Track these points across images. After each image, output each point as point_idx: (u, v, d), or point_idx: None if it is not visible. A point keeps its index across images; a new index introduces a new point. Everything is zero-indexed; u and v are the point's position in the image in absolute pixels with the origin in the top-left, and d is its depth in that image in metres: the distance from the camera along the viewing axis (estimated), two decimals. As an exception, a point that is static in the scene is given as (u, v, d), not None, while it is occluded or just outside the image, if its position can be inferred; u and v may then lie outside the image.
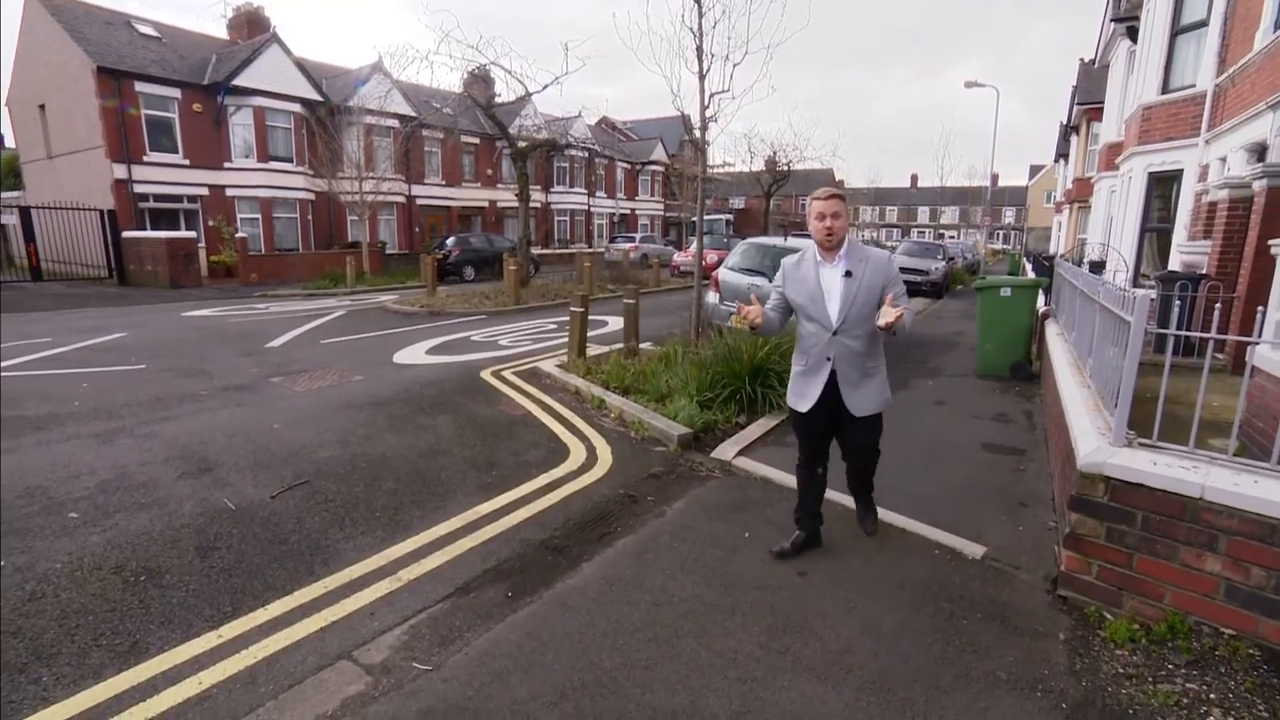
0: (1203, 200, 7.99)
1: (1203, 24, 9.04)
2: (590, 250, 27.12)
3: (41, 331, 9.26)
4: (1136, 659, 2.38)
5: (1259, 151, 7.16)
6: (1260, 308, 2.82)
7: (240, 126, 19.49)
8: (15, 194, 22.65)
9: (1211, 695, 2.17)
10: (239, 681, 2.26)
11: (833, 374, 2.84)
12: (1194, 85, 9.10)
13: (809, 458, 3.12)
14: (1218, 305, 2.79)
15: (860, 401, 2.88)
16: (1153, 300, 6.53)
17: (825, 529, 3.29)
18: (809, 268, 2.88)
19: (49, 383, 6.26)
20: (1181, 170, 9.33)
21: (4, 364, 7.05)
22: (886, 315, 2.60)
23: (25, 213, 16.44)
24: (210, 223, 18.82)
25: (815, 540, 3.25)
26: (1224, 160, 8.09)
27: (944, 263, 18.48)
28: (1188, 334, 3.15)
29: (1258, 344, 3.41)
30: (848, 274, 2.77)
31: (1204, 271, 6.94)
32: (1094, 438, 2.79)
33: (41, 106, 19.95)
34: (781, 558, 3.11)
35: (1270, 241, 4.81)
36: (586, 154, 31.97)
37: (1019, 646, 2.48)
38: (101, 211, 16.75)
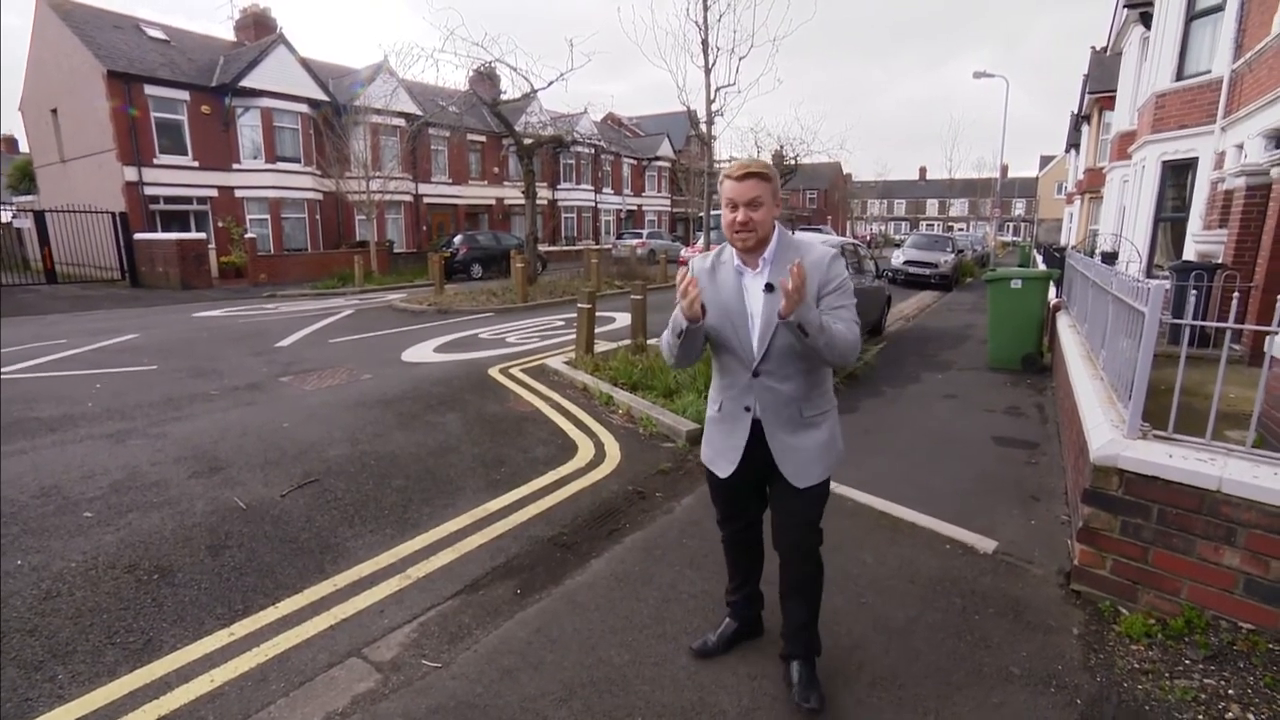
0: (1219, 188, 7.87)
1: (1219, 8, 8.87)
2: (597, 247, 27.10)
3: (57, 333, 9.38)
4: (1153, 654, 2.35)
5: (1277, 138, 7.02)
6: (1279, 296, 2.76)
7: (248, 128, 19.62)
8: (29, 198, 22.98)
9: (1230, 691, 2.14)
10: (250, 679, 2.28)
11: (756, 426, 2.04)
12: (1210, 71, 8.94)
13: (731, 525, 2.32)
14: (1234, 295, 2.74)
15: (798, 467, 2.03)
16: (1167, 290, 6.44)
17: (832, 525, 3.23)
18: (727, 275, 2.03)
19: (63, 384, 6.34)
20: (1196, 158, 9.17)
21: (21, 365, 7.14)
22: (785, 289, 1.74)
23: (40, 216, 16.64)
24: (220, 224, 18.99)
25: (754, 628, 2.45)
26: (1241, 147, 7.94)
27: (953, 255, 18.31)
28: (1203, 324, 3.09)
29: (1277, 333, 3.35)
30: (768, 287, 1.96)
31: (1220, 261, 6.84)
32: (1107, 430, 2.75)
33: (54, 111, 20.18)
34: (704, 656, 2.36)
35: (1289, 229, 4.72)
36: (593, 150, 31.94)
37: (1032, 642, 2.45)
38: (113, 214, 16.92)
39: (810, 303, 1.83)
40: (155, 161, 18.06)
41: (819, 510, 2.12)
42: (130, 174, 17.58)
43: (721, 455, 2.13)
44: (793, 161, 23.16)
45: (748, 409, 2.04)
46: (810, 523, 2.12)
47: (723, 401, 2.12)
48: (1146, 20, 11.55)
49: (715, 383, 2.17)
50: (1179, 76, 9.51)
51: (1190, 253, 8.21)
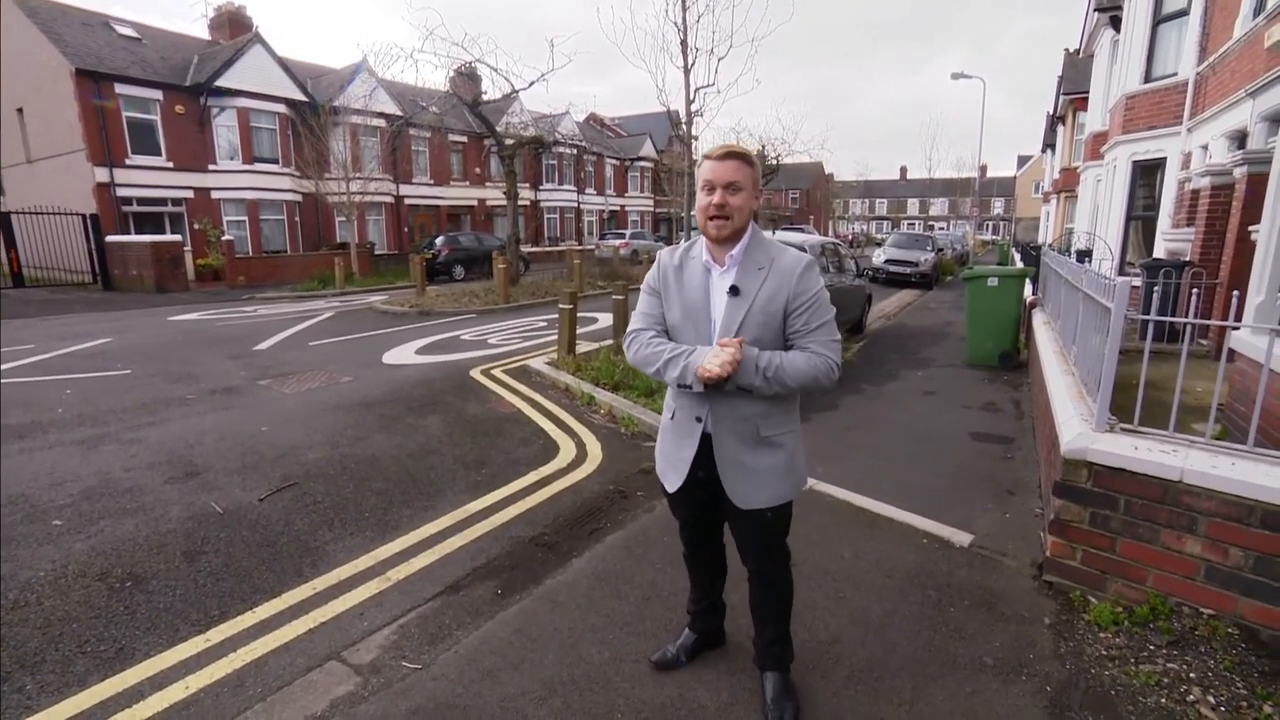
0: (1186, 188, 8.07)
1: (1184, 12, 9.11)
2: (580, 247, 27.07)
3: (24, 338, 9.15)
4: (1119, 641, 2.41)
5: (1240, 139, 7.23)
6: (1236, 291, 2.85)
7: (224, 128, 19.29)
8: (-5, 199, 22.34)
9: (1191, 674, 2.21)
10: (227, 685, 2.25)
11: (706, 441, 1.89)
12: (1176, 74, 9.18)
13: (689, 536, 2.22)
14: (1194, 290, 2.84)
15: (747, 488, 1.87)
16: (1135, 287, 6.59)
17: (811, 521, 3.26)
18: (695, 271, 1.88)
19: (32, 390, 6.19)
20: (1165, 158, 9.41)
21: (-14, 371, 6.96)
22: (713, 359, 1.69)
23: (5, 218, 16.20)
24: (196, 226, 18.64)
25: (715, 639, 2.40)
26: (1206, 148, 8.17)
27: (933, 254, 18.58)
28: (1166, 319, 3.18)
29: (1236, 328, 3.46)
30: (733, 290, 1.81)
31: (1188, 258, 7.02)
32: (1077, 424, 2.82)
33: (20, 110, 19.65)
34: (663, 668, 2.28)
35: (1250, 228, 4.87)
36: (575, 151, 31.89)
37: (1005, 632, 2.50)
38: (84, 216, 16.54)
39: (749, 364, 1.72)
40: (128, 162, 17.67)
41: (779, 533, 2.00)
42: (101, 175, 17.18)
43: (671, 467, 1.99)
44: (774, 161, 23.32)
45: (699, 420, 1.89)
46: (768, 547, 2.00)
47: (676, 409, 1.96)
48: (1116, 24, 11.82)
49: (672, 387, 1.95)
50: (1147, 79, 9.75)
51: (1160, 250, 8.41)
